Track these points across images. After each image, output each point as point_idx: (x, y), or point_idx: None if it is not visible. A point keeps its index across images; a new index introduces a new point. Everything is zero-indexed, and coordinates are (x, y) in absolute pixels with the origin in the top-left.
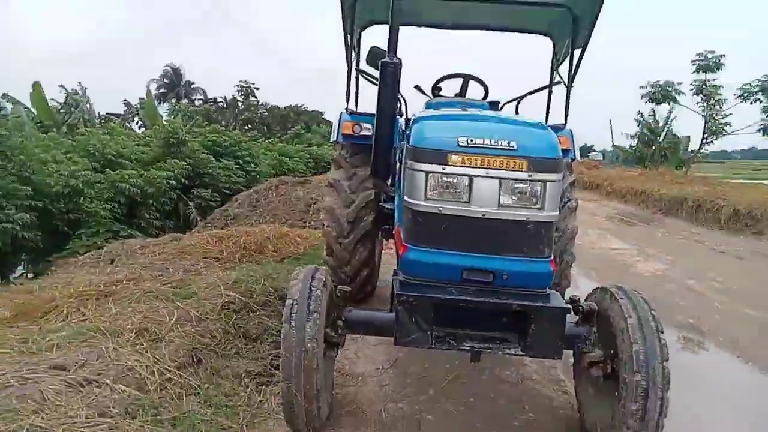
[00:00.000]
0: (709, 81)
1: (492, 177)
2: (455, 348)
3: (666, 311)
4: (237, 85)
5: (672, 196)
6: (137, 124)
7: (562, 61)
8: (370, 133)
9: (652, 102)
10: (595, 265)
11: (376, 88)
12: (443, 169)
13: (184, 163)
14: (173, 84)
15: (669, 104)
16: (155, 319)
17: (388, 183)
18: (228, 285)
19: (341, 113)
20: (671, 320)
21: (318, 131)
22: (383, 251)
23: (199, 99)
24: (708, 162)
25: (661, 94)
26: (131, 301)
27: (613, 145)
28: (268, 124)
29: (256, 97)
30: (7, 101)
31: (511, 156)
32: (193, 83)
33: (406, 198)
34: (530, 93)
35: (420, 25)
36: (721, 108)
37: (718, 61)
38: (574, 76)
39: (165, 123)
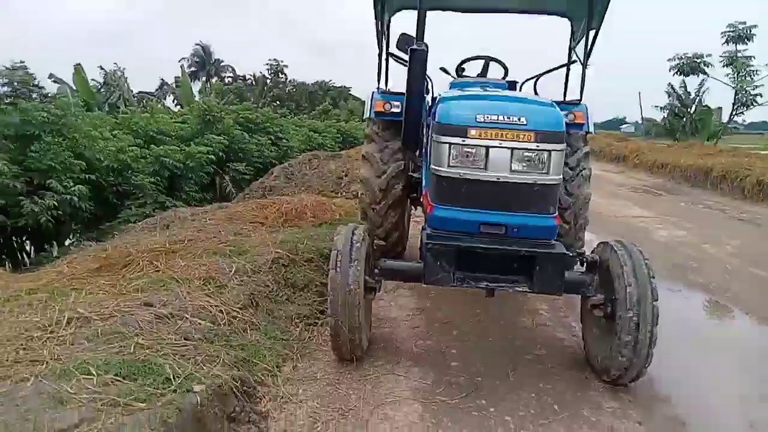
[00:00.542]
0: (740, 52)
1: (505, 147)
2: (473, 286)
3: (679, 272)
4: (267, 63)
5: (698, 167)
6: (173, 102)
7: (579, 41)
8: (399, 110)
9: (681, 74)
10: (617, 232)
11: (405, 69)
12: (463, 141)
13: (222, 138)
14: (203, 62)
15: (698, 76)
16: (217, 271)
17: (417, 154)
18: (275, 244)
19: (373, 92)
20: (683, 279)
21: (345, 107)
22: (411, 218)
23: (228, 76)
24: (747, 133)
25: (690, 66)
26: (194, 256)
27: (643, 118)
28: (297, 101)
29: (285, 75)
30: (54, 81)
31: (521, 129)
32: (222, 61)
33: (432, 166)
34: (547, 72)
35: (445, 9)
36: (752, 79)
37: (749, 31)
38: (589, 55)
39: (201, 101)
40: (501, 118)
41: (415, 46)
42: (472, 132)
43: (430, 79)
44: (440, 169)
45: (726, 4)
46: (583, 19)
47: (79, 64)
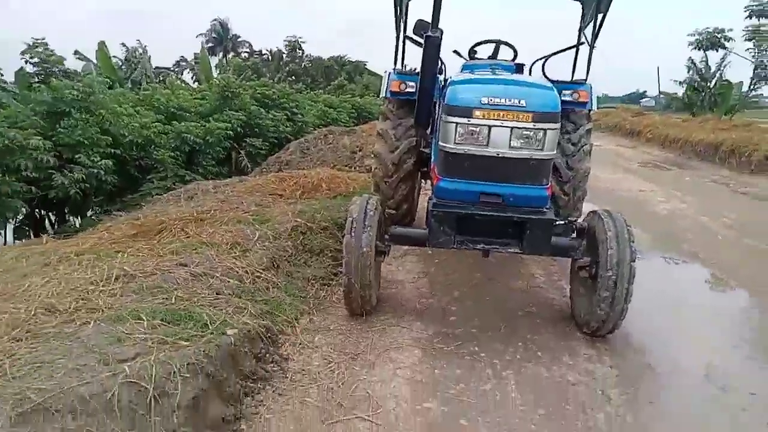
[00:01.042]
0: (763, 26)
1: (505, 126)
2: (471, 248)
3: (674, 241)
4: (285, 40)
5: (708, 142)
6: (192, 78)
7: (588, 23)
8: (413, 90)
9: (700, 49)
10: (620, 205)
11: (421, 50)
12: (469, 121)
13: (240, 114)
14: (221, 38)
15: (717, 51)
16: (242, 237)
17: (428, 132)
18: (294, 214)
19: (389, 73)
20: (676, 248)
21: (360, 82)
22: (421, 191)
23: (245, 52)
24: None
25: (710, 41)
26: (221, 224)
27: (660, 92)
28: (312, 76)
29: (302, 50)
30: (78, 58)
31: (520, 111)
32: (239, 36)
33: (440, 143)
34: (556, 53)
35: None
36: None
37: None
38: (596, 37)
39: (221, 78)
40: (503, 100)
41: (430, 33)
42: (477, 113)
43: (443, 62)
44: (447, 145)
45: None
46: (593, 2)
47: (103, 42)
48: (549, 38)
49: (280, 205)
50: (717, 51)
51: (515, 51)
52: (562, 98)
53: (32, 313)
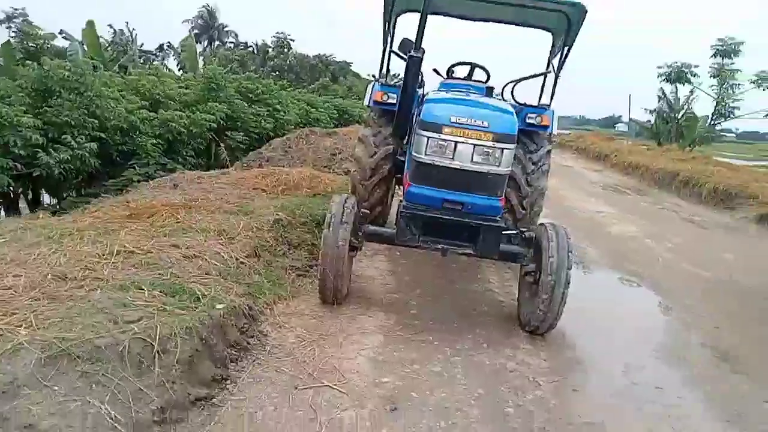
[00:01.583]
0: (726, 65)
1: (469, 143)
2: (432, 248)
3: (620, 260)
4: (274, 36)
5: (667, 171)
6: (177, 66)
7: (557, 54)
8: (394, 101)
9: (668, 82)
10: (577, 224)
11: (403, 62)
12: (439, 136)
13: (224, 106)
14: (207, 26)
15: (683, 85)
16: (228, 225)
17: (404, 142)
18: (276, 208)
19: (374, 83)
20: (621, 267)
21: (344, 83)
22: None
23: (230, 42)
24: (738, 142)
25: (677, 75)
26: (208, 212)
27: (631, 119)
28: (297, 73)
29: (292, 50)
30: (64, 37)
31: (483, 131)
32: (226, 26)
33: (413, 153)
34: (525, 78)
35: (446, 15)
36: (733, 92)
37: (736, 47)
38: (561, 67)
39: (207, 69)
40: (469, 120)
41: (413, 53)
42: (446, 129)
43: (423, 76)
44: (419, 156)
45: (715, 21)
46: (562, 34)
47: (92, 21)
48: (521, 65)
49: (262, 199)
50: (683, 85)
51: (488, 74)
52: (527, 120)
53: (46, 277)
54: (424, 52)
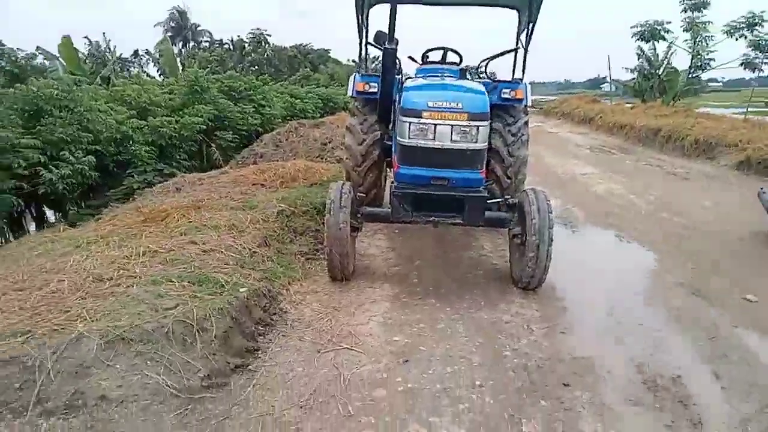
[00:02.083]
0: (697, 18)
1: (447, 124)
2: (424, 221)
3: (602, 216)
4: (250, 33)
5: (650, 128)
6: (157, 71)
7: (523, 30)
8: (376, 90)
9: (642, 40)
10: (561, 186)
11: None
12: (419, 120)
13: (210, 107)
14: (180, 27)
15: (657, 42)
16: (237, 220)
17: (389, 128)
18: (278, 200)
19: (355, 74)
20: (605, 223)
21: (325, 71)
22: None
23: (205, 41)
24: (722, 90)
25: (651, 32)
26: (216, 210)
27: (611, 79)
28: (276, 66)
29: (269, 44)
30: (40, 53)
31: (458, 112)
32: (199, 26)
33: (398, 138)
34: (496, 56)
35: (416, 3)
36: (707, 44)
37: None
38: (528, 41)
39: (189, 72)
40: (445, 103)
41: (387, 45)
42: (425, 114)
43: (400, 63)
44: (403, 140)
45: None
46: (526, 11)
47: (68, 36)
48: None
49: (263, 193)
50: (657, 42)
51: (460, 57)
52: (503, 95)
53: (86, 280)
54: (397, 43)
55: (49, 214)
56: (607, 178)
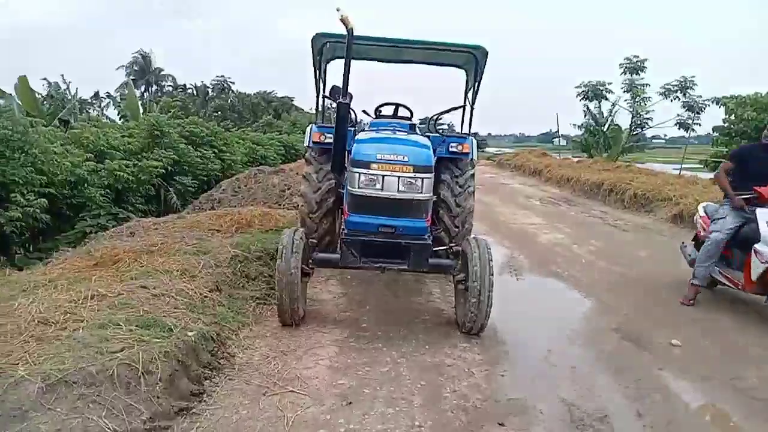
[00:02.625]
0: (636, 80)
1: (394, 176)
2: (372, 267)
3: (545, 264)
4: (213, 80)
5: (593, 182)
6: (118, 115)
7: (470, 88)
8: (331, 140)
9: (586, 99)
10: (511, 236)
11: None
12: (368, 171)
13: (170, 152)
14: (143, 71)
15: (599, 102)
16: (189, 265)
17: (342, 177)
18: (232, 246)
19: (311, 125)
20: (546, 269)
21: (288, 118)
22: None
23: (168, 86)
24: (665, 147)
25: (594, 92)
26: (169, 255)
27: (561, 135)
28: (239, 112)
29: (233, 91)
30: None
31: (404, 164)
32: (162, 70)
33: (348, 187)
34: (444, 112)
35: (370, 60)
36: (645, 104)
37: (641, 64)
38: (474, 100)
39: (149, 117)
40: (392, 156)
41: (340, 99)
42: (374, 165)
43: (355, 114)
44: (353, 189)
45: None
46: (472, 72)
47: (24, 76)
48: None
49: (218, 238)
50: (600, 102)
51: (411, 112)
52: (450, 149)
53: (31, 323)
54: (351, 98)
55: None
56: (553, 228)
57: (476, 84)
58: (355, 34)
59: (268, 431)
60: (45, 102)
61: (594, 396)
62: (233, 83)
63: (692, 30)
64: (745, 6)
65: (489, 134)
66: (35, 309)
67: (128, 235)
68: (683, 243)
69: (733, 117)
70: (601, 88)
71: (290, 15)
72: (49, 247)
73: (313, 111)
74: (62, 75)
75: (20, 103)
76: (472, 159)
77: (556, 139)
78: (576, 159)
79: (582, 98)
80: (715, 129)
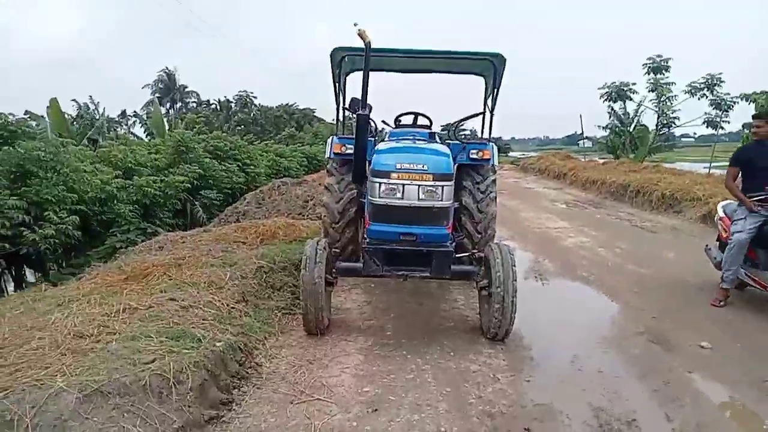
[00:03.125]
0: (660, 80)
1: (414, 184)
2: (394, 275)
3: (571, 268)
4: (236, 95)
5: (619, 183)
6: (145, 133)
7: (489, 95)
8: (352, 151)
9: (610, 100)
10: (533, 240)
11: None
12: (388, 181)
13: (195, 166)
14: (168, 88)
15: (624, 102)
16: (216, 277)
17: (363, 186)
18: (257, 257)
19: (332, 137)
20: (573, 274)
21: (310, 130)
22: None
23: (193, 102)
24: (694, 146)
25: (617, 93)
26: (196, 268)
27: (584, 136)
28: (262, 125)
29: (255, 105)
30: (29, 118)
31: (424, 173)
32: (186, 87)
33: (369, 196)
34: (465, 119)
35: (389, 71)
36: (671, 104)
37: (665, 63)
38: (493, 107)
39: (175, 134)
40: (411, 165)
41: (360, 111)
42: (394, 175)
43: (375, 125)
44: (374, 199)
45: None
46: (491, 78)
47: (55, 99)
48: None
49: (243, 250)
50: (624, 102)
51: (430, 120)
52: (471, 156)
53: (67, 337)
54: (371, 109)
55: (29, 274)
56: (578, 232)
57: (495, 91)
58: (372, 47)
59: None
60: (75, 122)
61: (621, 400)
62: (255, 97)
63: (719, 27)
64: None
65: (512, 138)
66: (70, 323)
67: (157, 249)
68: (707, 245)
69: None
70: (625, 88)
71: (308, 28)
72: (81, 262)
73: (334, 122)
74: (90, 96)
75: (52, 124)
76: (493, 165)
77: (581, 141)
78: (602, 160)
79: (606, 99)
80: (745, 126)
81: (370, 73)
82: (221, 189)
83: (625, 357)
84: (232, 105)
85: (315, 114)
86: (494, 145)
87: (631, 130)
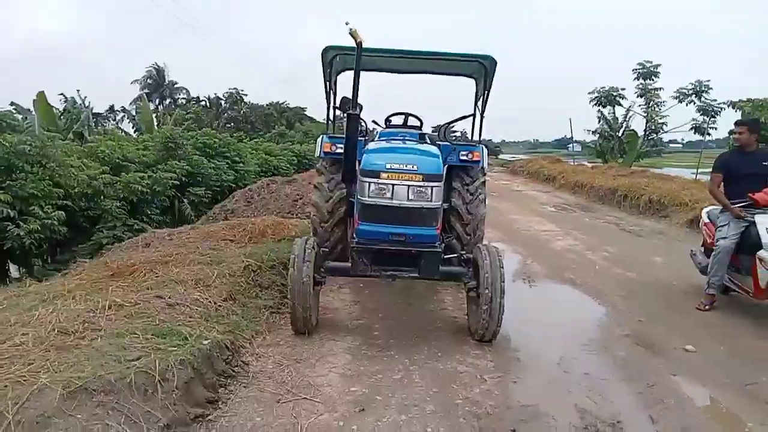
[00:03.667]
0: (649, 85)
1: (404, 184)
2: (382, 275)
3: (559, 271)
4: (226, 92)
5: (608, 188)
6: (132, 128)
7: (480, 97)
8: (342, 151)
9: (599, 105)
10: (523, 243)
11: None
12: (378, 181)
13: (184, 163)
14: (157, 84)
15: (613, 107)
16: (203, 275)
17: (353, 187)
18: (245, 255)
19: (322, 136)
20: (560, 276)
21: (300, 128)
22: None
23: (182, 98)
24: (683, 152)
25: (607, 98)
26: (184, 265)
27: (574, 140)
28: (252, 123)
29: (245, 103)
30: (15, 110)
31: (413, 173)
32: (176, 83)
33: (359, 196)
34: (455, 121)
35: (380, 71)
36: (659, 109)
37: (654, 69)
38: (484, 109)
39: (164, 129)
40: (401, 165)
41: (350, 111)
42: (383, 175)
43: (366, 124)
44: (364, 198)
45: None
46: (482, 80)
47: (42, 92)
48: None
49: (231, 248)
50: (614, 107)
51: (421, 121)
52: (461, 157)
53: (51, 333)
54: (361, 108)
55: (13, 269)
56: (567, 235)
57: (486, 93)
58: (364, 46)
59: None
60: (62, 117)
61: (607, 402)
62: (246, 95)
63: (706, 33)
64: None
65: (503, 140)
66: (55, 319)
67: (144, 246)
68: (692, 250)
69: None
70: (615, 93)
71: (299, 26)
72: (66, 258)
73: (325, 121)
74: (78, 90)
75: (39, 118)
76: (482, 167)
77: (571, 145)
78: (591, 165)
79: (595, 104)
80: (730, 133)
81: (361, 73)
82: (210, 186)
83: (611, 359)
84: (222, 102)
85: (306, 113)
86: (484, 147)
87: (620, 134)
